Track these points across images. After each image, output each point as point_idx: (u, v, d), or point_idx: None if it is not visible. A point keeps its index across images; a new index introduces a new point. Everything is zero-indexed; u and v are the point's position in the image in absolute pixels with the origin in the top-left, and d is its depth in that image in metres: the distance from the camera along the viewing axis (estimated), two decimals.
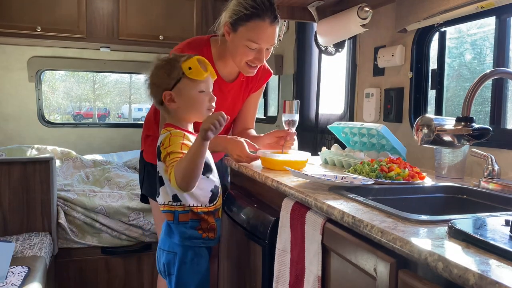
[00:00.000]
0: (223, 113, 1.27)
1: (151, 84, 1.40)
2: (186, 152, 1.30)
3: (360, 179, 1.25)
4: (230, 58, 1.68)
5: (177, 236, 1.39)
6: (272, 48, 1.66)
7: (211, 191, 1.41)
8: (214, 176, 1.44)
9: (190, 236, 1.38)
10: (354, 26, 1.93)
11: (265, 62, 1.76)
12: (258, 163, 1.68)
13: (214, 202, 1.43)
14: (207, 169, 1.40)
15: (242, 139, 1.65)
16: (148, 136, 1.79)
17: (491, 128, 1.06)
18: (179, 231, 1.39)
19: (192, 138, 1.37)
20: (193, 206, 1.38)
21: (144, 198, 1.89)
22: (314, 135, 2.65)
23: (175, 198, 1.38)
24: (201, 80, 1.36)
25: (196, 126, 1.47)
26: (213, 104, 1.40)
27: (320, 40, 2.25)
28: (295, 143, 1.81)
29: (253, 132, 1.90)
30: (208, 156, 1.42)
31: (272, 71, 1.89)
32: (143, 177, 1.82)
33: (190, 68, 1.33)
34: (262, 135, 1.82)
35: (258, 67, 1.70)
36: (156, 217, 1.84)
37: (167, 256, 1.42)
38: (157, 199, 1.43)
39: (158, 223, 1.80)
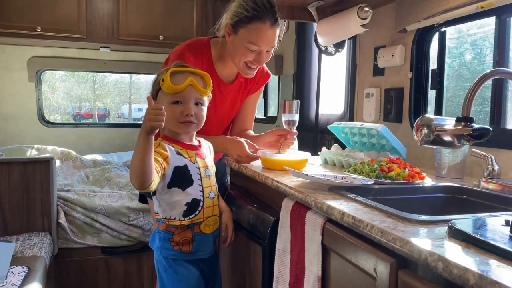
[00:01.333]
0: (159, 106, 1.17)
1: None
2: (157, 158, 1.26)
3: (360, 179, 1.25)
4: (229, 59, 1.68)
5: (155, 244, 1.40)
6: (272, 51, 1.66)
7: (186, 204, 1.35)
8: (195, 189, 1.36)
9: (162, 246, 1.37)
10: (354, 26, 1.93)
11: (264, 64, 1.76)
12: (258, 163, 1.68)
13: (191, 216, 1.36)
14: (186, 182, 1.34)
15: (242, 139, 1.65)
16: None
17: (491, 128, 1.06)
18: (156, 240, 1.39)
19: (168, 147, 1.32)
20: (165, 218, 1.36)
21: (142, 198, 1.89)
22: (314, 135, 2.65)
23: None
24: (174, 92, 1.31)
25: (200, 133, 1.46)
26: (188, 118, 1.32)
27: (320, 40, 2.25)
28: (295, 143, 1.81)
29: (251, 133, 1.91)
30: (191, 169, 1.35)
31: (271, 73, 1.90)
32: None
33: (162, 80, 1.30)
34: (262, 133, 1.82)
35: (257, 68, 1.69)
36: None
37: (154, 261, 1.44)
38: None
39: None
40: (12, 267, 1.81)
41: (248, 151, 1.64)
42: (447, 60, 1.80)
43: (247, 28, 1.57)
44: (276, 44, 1.64)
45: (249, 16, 1.55)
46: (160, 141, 1.34)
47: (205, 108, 1.38)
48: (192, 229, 1.37)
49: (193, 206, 1.36)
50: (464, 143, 1.09)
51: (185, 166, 1.34)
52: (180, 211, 1.35)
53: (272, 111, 3.51)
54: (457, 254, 0.69)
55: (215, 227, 1.44)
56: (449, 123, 1.11)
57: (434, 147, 1.34)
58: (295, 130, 1.74)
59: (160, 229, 1.38)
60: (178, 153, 1.34)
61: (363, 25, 1.91)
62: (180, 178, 1.33)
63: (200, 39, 1.78)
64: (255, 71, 1.70)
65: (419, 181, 1.33)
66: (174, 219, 1.36)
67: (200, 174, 1.38)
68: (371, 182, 1.24)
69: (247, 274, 1.56)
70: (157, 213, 1.40)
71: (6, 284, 1.65)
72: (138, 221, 2.56)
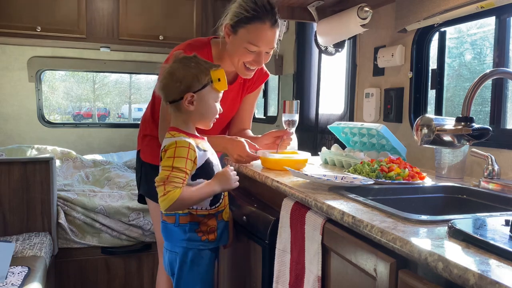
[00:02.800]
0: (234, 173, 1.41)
1: (171, 78, 1.35)
2: (189, 169, 1.31)
3: (360, 179, 1.25)
4: (229, 59, 1.68)
5: (177, 237, 1.40)
6: (272, 52, 1.66)
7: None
8: None
9: (189, 238, 1.38)
10: (354, 26, 1.93)
11: (263, 65, 1.76)
12: (258, 163, 1.68)
13: (216, 205, 1.42)
14: (210, 174, 1.40)
15: (242, 139, 1.65)
16: (145, 136, 1.79)
17: (491, 128, 1.06)
18: (179, 233, 1.39)
19: (196, 146, 1.35)
20: (192, 209, 1.38)
21: (141, 199, 1.89)
22: (314, 135, 2.65)
23: None
24: (220, 92, 1.40)
25: (199, 133, 1.48)
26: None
27: (320, 40, 2.25)
28: (295, 142, 1.81)
29: (250, 132, 1.91)
30: (214, 161, 1.43)
31: (269, 73, 1.89)
32: (140, 177, 1.81)
33: (219, 80, 1.35)
34: (259, 136, 1.82)
35: (256, 69, 1.69)
36: (154, 217, 1.83)
37: (170, 255, 1.44)
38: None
39: (156, 223, 1.80)
40: (12, 267, 1.81)
41: (248, 151, 1.64)
42: (447, 60, 1.80)
43: (247, 28, 1.56)
44: (275, 45, 1.64)
45: (249, 17, 1.55)
46: (184, 137, 1.36)
47: None
48: (216, 217, 1.42)
49: (217, 195, 1.42)
50: (464, 143, 1.09)
51: (208, 159, 1.39)
52: (208, 200, 1.40)
53: (272, 111, 3.51)
54: (457, 254, 0.69)
55: (229, 214, 1.51)
56: (449, 123, 1.11)
57: (434, 147, 1.33)
58: (291, 131, 1.74)
59: (181, 222, 1.38)
60: (199, 149, 1.37)
61: (363, 25, 1.90)
62: (205, 171, 1.38)
63: (201, 39, 1.78)
64: (253, 72, 1.70)
65: (419, 181, 1.33)
66: (201, 209, 1.39)
67: (217, 164, 1.45)
68: (371, 182, 1.24)
69: (247, 274, 1.56)
70: None
71: (6, 284, 1.65)
72: (138, 221, 2.56)
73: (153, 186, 1.57)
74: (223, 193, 1.44)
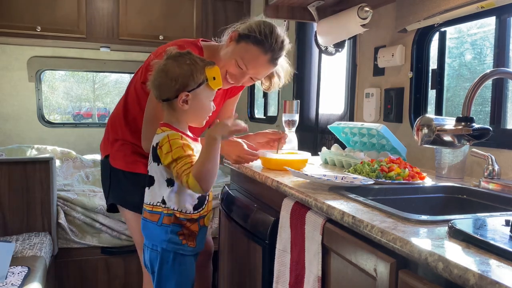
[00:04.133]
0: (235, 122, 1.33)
1: (165, 76, 1.32)
2: (190, 152, 1.29)
3: (360, 179, 1.25)
4: (218, 64, 1.64)
5: (158, 237, 1.36)
6: (255, 81, 1.65)
7: (197, 198, 1.38)
8: None
9: (170, 240, 1.35)
10: (354, 26, 1.93)
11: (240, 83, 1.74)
12: (258, 163, 1.68)
13: (199, 210, 1.39)
14: None
15: (240, 140, 1.63)
16: (116, 140, 1.68)
17: (491, 128, 1.06)
18: (160, 233, 1.35)
19: (189, 139, 1.35)
20: (176, 210, 1.35)
21: (111, 207, 1.75)
22: (314, 135, 2.65)
23: (164, 200, 1.35)
24: (215, 90, 1.38)
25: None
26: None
27: (320, 40, 2.25)
28: (295, 142, 1.81)
29: None
30: None
31: None
32: (109, 185, 1.69)
33: (214, 78, 1.33)
34: (251, 133, 1.79)
35: (232, 85, 1.66)
36: (132, 228, 1.70)
37: (150, 253, 1.40)
38: (147, 199, 1.40)
39: (135, 232, 1.68)
40: (12, 267, 1.81)
41: (247, 150, 1.62)
42: (447, 60, 1.80)
43: (249, 46, 1.53)
44: (262, 79, 1.63)
45: (258, 39, 1.52)
46: (168, 131, 1.33)
47: None
48: (198, 222, 1.39)
49: (202, 199, 1.39)
50: (464, 143, 1.09)
51: None
52: (192, 204, 1.37)
53: (272, 111, 3.51)
54: (457, 254, 0.69)
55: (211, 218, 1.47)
56: (449, 123, 1.11)
57: (434, 147, 1.33)
58: (292, 130, 1.73)
59: (164, 222, 1.35)
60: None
61: (363, 25, 1.90)
62: None
63: (191, 40, 1.71)
64: (229, 86, 1.67)
65: (419, 181, 1.33)
66: (186, 212, 1.36)
67: None
68: (371, 182, 1.24)
69: (247, 274, 1.56)
70: (158, 205, 1.36)
71: (6, 284, 1.65)
72: None
73: (127, 194, 1.53)
74: (207, 198, 1.41)
